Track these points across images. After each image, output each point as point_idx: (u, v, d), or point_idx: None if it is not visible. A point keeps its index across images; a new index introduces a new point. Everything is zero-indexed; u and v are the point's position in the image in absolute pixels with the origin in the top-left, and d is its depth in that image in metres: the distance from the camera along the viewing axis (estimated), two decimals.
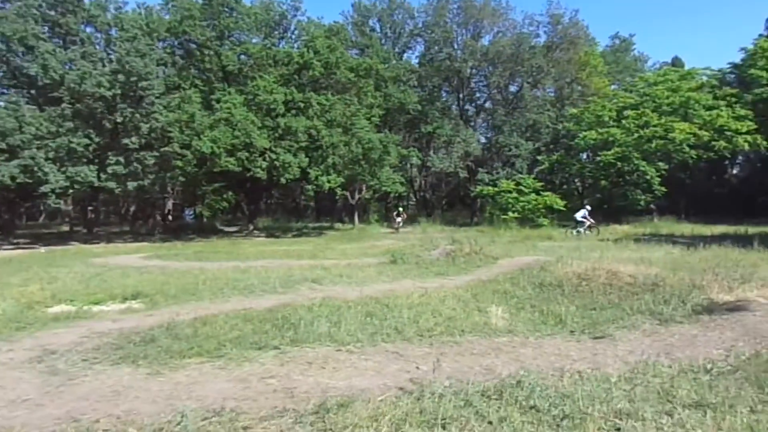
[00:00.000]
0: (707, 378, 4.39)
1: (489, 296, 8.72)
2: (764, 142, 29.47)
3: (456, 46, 39.04)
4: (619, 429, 3.52)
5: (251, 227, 30.45)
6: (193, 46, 27.58)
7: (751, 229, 23.66)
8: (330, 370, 5.24)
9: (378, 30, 41.48)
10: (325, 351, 5.84)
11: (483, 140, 40.90)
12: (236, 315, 7.64)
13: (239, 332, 6.68)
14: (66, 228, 39.16)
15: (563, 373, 4.66)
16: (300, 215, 44.32)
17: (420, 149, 37.81)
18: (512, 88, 41.18)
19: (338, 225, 36.51)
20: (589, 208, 24.48)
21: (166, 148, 24.71)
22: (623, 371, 4.66)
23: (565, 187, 36.81)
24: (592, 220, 23.65)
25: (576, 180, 34.85)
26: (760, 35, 37.60)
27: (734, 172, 44.16)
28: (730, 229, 24.90)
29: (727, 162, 39.59)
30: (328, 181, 25.99)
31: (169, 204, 45.58)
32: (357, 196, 37.90)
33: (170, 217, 44.75)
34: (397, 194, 41.22)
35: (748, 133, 29.25)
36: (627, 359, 5.14)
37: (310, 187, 27.21)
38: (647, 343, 5.62)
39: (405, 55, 42.52)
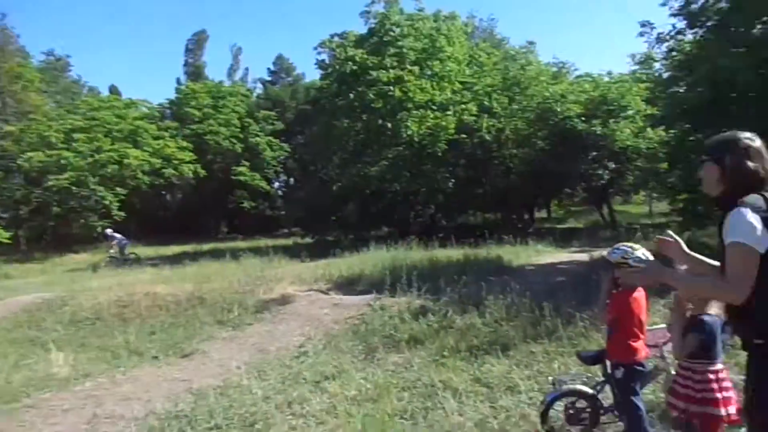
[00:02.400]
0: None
1: (7, 348, 7.21)
2: (203, 171, 34.56)
3: None
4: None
5: None
6: None
7: (206, 246, 27.39)
8: None
9: None
10: None
11: None
12: None
13: None
14: None
15: (204, 391, 4.78)
16: None
17: None
18: None
19: None
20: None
21: None
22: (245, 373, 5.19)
23: (4, 215, 31.75)
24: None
25: (21, 207, 30.50)
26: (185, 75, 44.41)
27: (168, 197, 49.10)
28: (187, 247, 27.79)
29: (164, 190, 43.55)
30: None
31: None
32: None
33: None
34: None
35: (190, 162, 33.51)
36: (229, 365, 5.66)
37: None
38: (236, 348, 6.28)
39: None
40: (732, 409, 2.81)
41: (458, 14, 28.04)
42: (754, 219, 1.98)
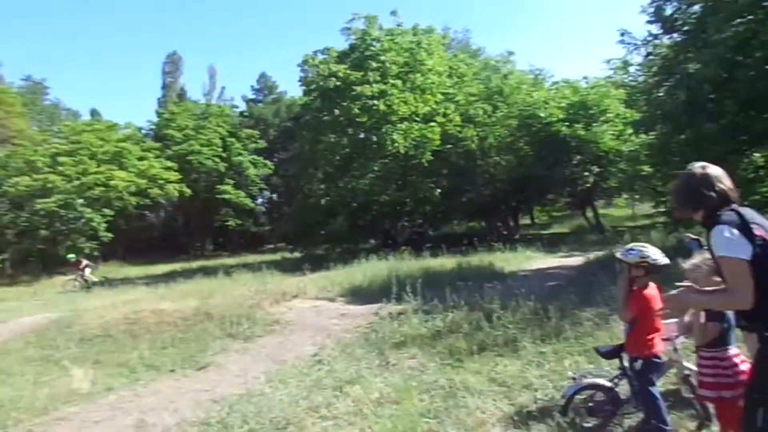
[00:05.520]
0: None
1: (23, 367, 7.27)
2: (188, 190, 34.48)
3: None
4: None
5: None
6: None
7: (195, 264, 27.35)
8: None
9: None
10: None
11: None
12: None
13: None
14: None
15: (229, 400, 4.93)
16: None
17: None
18: None
19: None
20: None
21: None
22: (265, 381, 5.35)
23: None
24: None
25: (8, 231, 30.25)
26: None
27: (153, 217, 48.78)
28: (175, 266, 27.69)
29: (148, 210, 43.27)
30: None
31: None
32: None
33: None
34: None
35: (175, 182, 33.43)
36: (248, 376, 5.81)
37: None
38: (251, 359, 6.42)
39: None
40: None
41: (435, 27, 28.63)
42: (730, 233, 2.31)
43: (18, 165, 29.33)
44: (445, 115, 25.05)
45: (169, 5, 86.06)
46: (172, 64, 53.50)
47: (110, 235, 29.62)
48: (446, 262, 14.68)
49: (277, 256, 28.92)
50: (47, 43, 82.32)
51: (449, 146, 24.72)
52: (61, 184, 28.21)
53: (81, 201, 28.72)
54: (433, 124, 24.08)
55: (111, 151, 32.26)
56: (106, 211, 29.78)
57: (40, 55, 79.46)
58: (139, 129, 40.87)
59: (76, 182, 28.82)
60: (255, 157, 41.16)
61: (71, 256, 23.96)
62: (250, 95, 50.27)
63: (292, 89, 66.20)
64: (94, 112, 48.90)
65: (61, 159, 29.65)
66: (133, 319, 8.57)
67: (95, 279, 21.75)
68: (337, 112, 24.84)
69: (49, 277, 25.65)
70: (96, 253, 30.87)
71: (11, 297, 19.05)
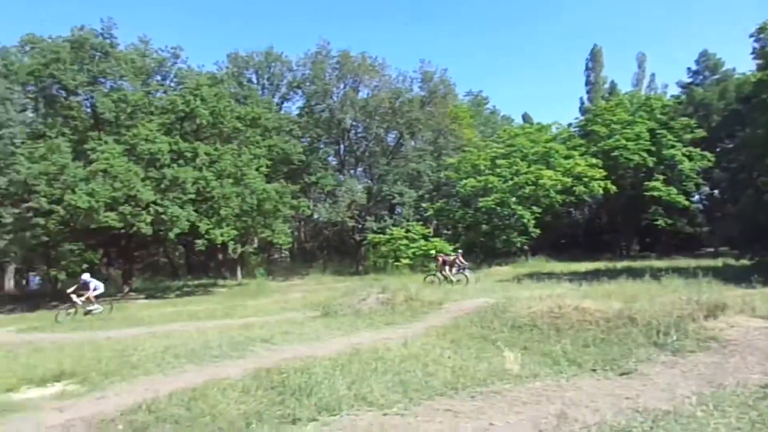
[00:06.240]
0: None
1: (468, 341, 8.66)
2: (613, 187, 33.91)
3: (335, 99, 39.85)
4: None
5: (126, 289, 27.35)
6: (61, 91, 24.80)
7: (619, 264, 26.69)
8: None
9: (255, 81, 40.98)
10: (370, 416, 5.32)
11: (362, 189, 41.58)
12: (219, 386, 6.64)
13: (247, 406, 5.82)
14: None
15: (652, 413, 4.70)
16: (175, 273, 40.83)
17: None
18: (389, 139, 42.88)
19: (221, 281, 34.25)
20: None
21: (31, 204, 21.57)
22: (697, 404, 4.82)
23: (447, 232, 38.74)
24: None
25: (459, 225, 36.77)
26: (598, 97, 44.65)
27: (577, 214, 49.91)
28: (598, 264, 27.67)
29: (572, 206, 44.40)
30: (222, 235, 24.44)
31: (10, 269, 39.51)
32: (240, 250, 36.10)
33: (11, 285, 38.76)
34: (279, 246, 40.13)
35: (600, 179, 33.44)
36: (675, 392, 5.36)
37: (200, 241, 25.26)
38: (679, 375, 5.91)
39: (284, 105, 42.38)
40: None
41: None
42: None
43: (466, 168, 34.88)
44: None
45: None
46: (594, 59, 53.29)
47: (538, 231, 32.00)
48: None
49: (718, 262, 25.35)
50: (480, 57, 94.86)
51: None
52: (498, 184, 32.17)
53: (514, 199, 32.03)
54: None
55: (540, 152, 34.76)
56: (535, 208, 32.30)
57: (478, 68, 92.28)
58: (569, 126, 42.25)
59: (510, 182, 32.30)
60: (691, 148, 36.94)
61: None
62: (686, 79, 44.97)
63: (741, 65, 56.38)
64: (525, 116, 53.58)
65: (498, 162, 33.77)
66: (557, 313, 9.02)
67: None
68: None
69: (488, 267, 29.42)
70: (525, 247, 33.99)
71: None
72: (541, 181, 32.01)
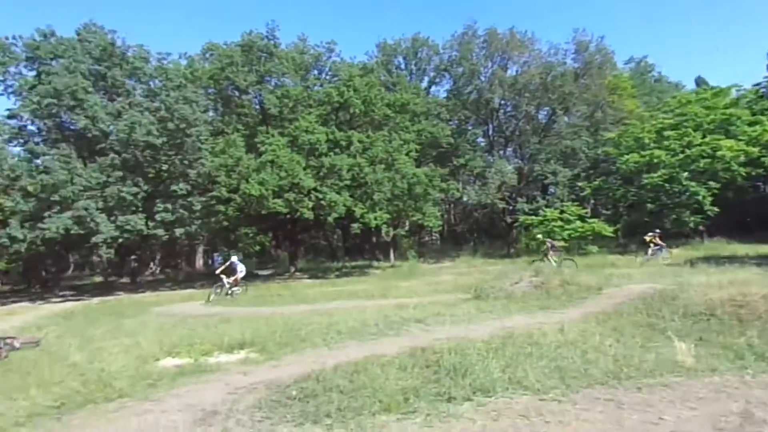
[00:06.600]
0: None
1: (632, 329, 8.10)
2: None
3: (483, 79, 39.11)
4: None
5: (293, 269, 29.93)
6: (235, 91, 27.77)
7: None
8: (557, 424, 4.65)
9: (403, 67, 41.77)
10: (525, 400, 5.27)
11: (512, 170, 40.48)
12: (379, 362, 7.01)
13: (405, 382, 6.10)
14: (99, 279, 38.83)
15: None
16: (334, 255, 43.69)
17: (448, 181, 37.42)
18: (541, 117, 41.12)
19: (375, 263, 35.84)
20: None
21: (214, 193, 24.59)
22: None
23: (606, 212, 36.32)
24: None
25: (620, 205, 34.25)
26: None
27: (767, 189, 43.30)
28: None
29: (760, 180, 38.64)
30: (375, 218, 25.60)
31: (200, 250, 45.42)
32: (392, 233, 37.44)
33: (201, 264, 44.54)
34: (429, 228, 40.87)
35: None
36: None
37: (356, 225, 26.76)
38: None
39: (432, 89, 42.68)
40: None
41: None
42: None
43: (628, 143, 32.16)
44: None
45: None
46: None
47: (716, 209, 28.52)
48: None
49: None
50: (645, 21, 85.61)
51: None
52: (666, 159, 29.19)
53: (685, 174, 28.87)
54: None
55: (717, 119, 30.77)
56: (712, 183, 28.78)
57: (641, 33, 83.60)
58: (756, 86, 36.39)
59: (681, 155, 29.11)
60: None
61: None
62: None
63: None
64: (699, 81, 47.71)
65: (666, 133, 30.57)
66: (741, 301, 8.02)
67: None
68: None
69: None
70: (701, 228, 30.53)
71: (622, 264, 21.34)
72: (719, 153, 28.31)
